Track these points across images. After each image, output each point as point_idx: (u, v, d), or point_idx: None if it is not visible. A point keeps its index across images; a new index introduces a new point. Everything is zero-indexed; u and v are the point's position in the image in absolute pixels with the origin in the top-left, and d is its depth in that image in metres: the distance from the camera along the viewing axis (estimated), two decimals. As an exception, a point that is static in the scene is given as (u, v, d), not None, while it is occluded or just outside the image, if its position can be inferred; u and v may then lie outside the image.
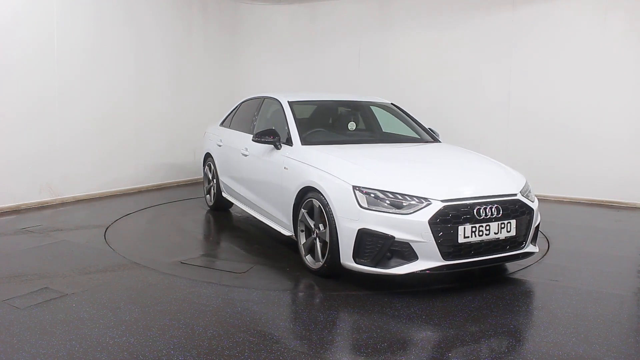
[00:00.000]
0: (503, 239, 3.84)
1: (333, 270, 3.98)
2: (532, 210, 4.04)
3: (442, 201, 3.68)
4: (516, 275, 4.28)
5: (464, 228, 3.67)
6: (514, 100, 7.92)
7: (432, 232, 3.60)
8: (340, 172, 4.01)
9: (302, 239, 4.31)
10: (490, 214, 3.76)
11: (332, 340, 3.08)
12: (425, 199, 3.69)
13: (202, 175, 6.99)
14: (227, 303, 3.60)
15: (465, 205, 3.72)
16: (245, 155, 5.43)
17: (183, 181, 8.72)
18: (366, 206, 3.72)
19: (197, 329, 3.17)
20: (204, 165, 6.81)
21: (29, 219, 5.96)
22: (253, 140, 4.97)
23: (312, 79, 9.39)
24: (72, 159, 6.98)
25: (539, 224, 4.26)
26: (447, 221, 3.65)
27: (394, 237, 3.62)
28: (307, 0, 9.32)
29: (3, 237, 5.19)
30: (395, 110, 5.74)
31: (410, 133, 5.49)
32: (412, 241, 3.62)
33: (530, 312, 3.51)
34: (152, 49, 8.07)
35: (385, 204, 3.69)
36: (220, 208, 6.51)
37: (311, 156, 4.43)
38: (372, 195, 3.74)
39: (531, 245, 4.17)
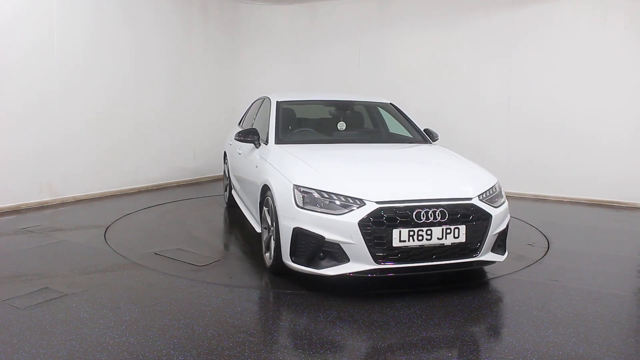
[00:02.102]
0: (449, 245, 3.66)
1: (280, 269, 4.00)
2: (490, 216, 3.79)
3: (377, 203, 3.58)
4: (516, 276, 4.28)
5: (399, 231, 3.55)
6: (514, 101, 7.92)
7: (362, 234, 3.52)
8: (288, 171, 4.03)
9: (264, 236, 4.36)
10: (432, 218, 3.61)
11: (332, 341, 3.08)
12: (360, 200, 3.61)
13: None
14: (227, 303, 3.60)
15: (403, 208, 3.59)
16: (239, 154, 5.66)
17: (183, 181, 8.72)
18: (302, 205, 3.71)
19: (197, 329, 3.17)
20: (223, 164, 7.16)
21: (29, 219, 5.96)
22: (235, 138, 5.14)
23: (312, 79, 9.39)
24: (72, 158, 6.98)
25: (503, 231, 3.99)
26: (380, 223, 3.55)
27: (324, 237, 3.60)
28: (307, 0, 9.32)
29: (3, 237, 5.19)
30: (393, 111, 5.73)
31: (405, 133, 5.47)
32: (342, 242, 3.57)
33: (530, 312, 3.51)
34: (152, 49, 8.07)
35: (320, 204, 3.67)
36: (234, 205, 6.63)
37: (276, 155, 4.50)
38: (309, 194, 3.72)
39: (491, 254, 3.92)
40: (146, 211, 6.54)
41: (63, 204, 6.82)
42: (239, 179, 5.87)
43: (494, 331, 3.22)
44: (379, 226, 3.55)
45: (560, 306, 3.62)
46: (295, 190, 3.77)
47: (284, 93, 5.86)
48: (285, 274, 4.04)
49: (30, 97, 6.46)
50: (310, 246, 3.66)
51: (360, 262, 3.58)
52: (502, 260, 4.04)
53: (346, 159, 4.43)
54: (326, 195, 3.68)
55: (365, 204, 3.60)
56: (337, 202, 3.64)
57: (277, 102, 5.31)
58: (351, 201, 3.62)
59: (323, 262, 3.66)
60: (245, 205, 5.53)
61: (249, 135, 5.00)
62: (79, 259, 4.53)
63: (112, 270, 4.26)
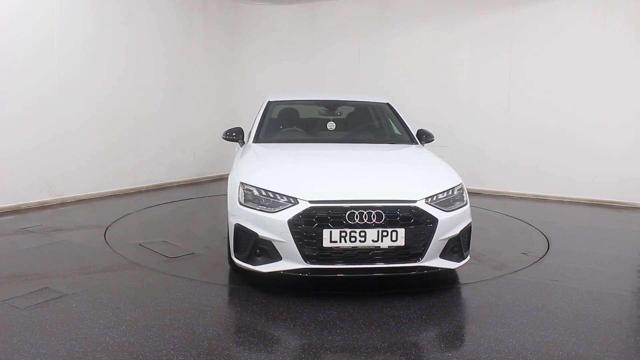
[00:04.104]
0: (387, 249, 3.55)
1: (234, 264, 4.04)
2: (436, 220, 3.62)
3: (310, 202, 3.56)
4: (516, 276, 4.28)
5: (330, 232, 3.50)
6: (514, 100, 7.92)
7: (292, 233, 3.53)
8: (242, 169, 4.10)
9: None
10: (367, 219, 3.52)
11: (331, 340, 3.08)
12: (295, 198, 3.60)
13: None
14: (227, 303, 3.60)
15: (336, 208, 3.53)
16: (236, 151, 5.70)
17: (183, 181, 8.72)
18: (243, 202, 3.76)
19: (197, 329, 3.17)
20: None
21: (29, 219, 5.96)
22: (222, 137, 5.22)
23: (312, 79, 9.40)
24: (72, 158, 6.98)
25: (456, 236, 3.77)
26: (311, 223, 3.52)
27: (257, 234, 3.64)
28: (307, 0, 9.32)
29: (3, 237, 5.19)
30: (388, 111, 5.67)
31: (398, 134, 5.40)
32: (274, 240, 3.60)
33: (530, 312, 3.51)
34: (152, 49, 8.07)
35: (259, 202, 3.71)
36: None
37: (246, 153, 4.56)
38: (250, 192, 3.77)
39: (440, 260, 3.74)
40: (146, 211, 6.53)
41: (63, 204, 6.81)
42: None
43: (494, 331, 3.22)
44: (309, 225, 3.53)
45: (560, 306, 3.62)
46: (241, 187, 3.84)
47: (283, 93, 5.89)
48: (238, 270, 4.08)
49: (31, 97, 6.45)
50: (248, 243, 3.72)
51: (291, 260, 3.60)
52: (454, 267, 3.86)
53: (308, 159, 4.45)
54: (264, 193, 3.72)
55: (298, 202, 3.60)
56: (273, 200, 3.67)
57: (268, 101, 5.38)
58: (286, 199, 3.64)
59: (259, 259, 3.71)
60: None
61: (233, 134, 5.09)
62: (79, 259, 4.53)
63: (112, 270, 4.26)
